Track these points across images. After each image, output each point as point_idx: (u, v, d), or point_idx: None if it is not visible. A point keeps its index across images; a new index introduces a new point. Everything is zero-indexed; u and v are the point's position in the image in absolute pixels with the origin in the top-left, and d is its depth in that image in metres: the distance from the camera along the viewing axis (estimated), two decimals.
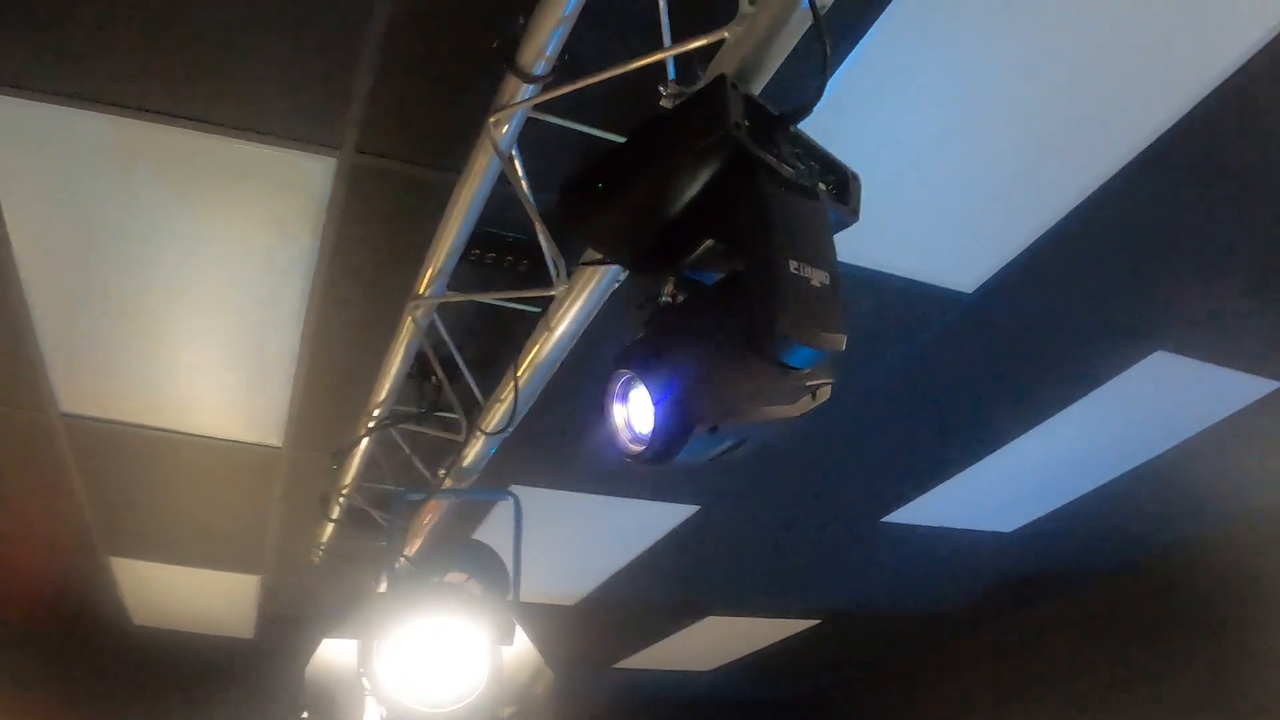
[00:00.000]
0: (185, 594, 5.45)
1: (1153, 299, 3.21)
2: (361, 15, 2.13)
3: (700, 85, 1.69)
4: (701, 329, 1.40)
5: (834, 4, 1.52)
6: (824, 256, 1.40)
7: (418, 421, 3.13)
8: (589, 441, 3.90)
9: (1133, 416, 3.94)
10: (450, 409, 3.22)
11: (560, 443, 3.82)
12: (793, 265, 1.34)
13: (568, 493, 4.35)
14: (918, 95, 2.42)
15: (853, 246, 2.09)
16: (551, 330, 2.36)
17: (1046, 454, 4.24)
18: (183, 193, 2.61)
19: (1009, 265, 3.01)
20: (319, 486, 4.04)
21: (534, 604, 5.58)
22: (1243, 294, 3.18)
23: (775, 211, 1.37)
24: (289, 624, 5.86)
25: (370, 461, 3.57)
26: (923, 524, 4.95)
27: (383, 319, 3.06)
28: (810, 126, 1.56)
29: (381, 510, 3.83)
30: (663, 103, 1.73)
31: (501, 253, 2.86)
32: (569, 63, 2.04)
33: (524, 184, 2.22)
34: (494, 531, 4.43)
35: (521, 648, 2.57)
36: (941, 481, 4.50)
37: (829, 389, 1.47)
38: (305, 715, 3.62)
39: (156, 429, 3.76)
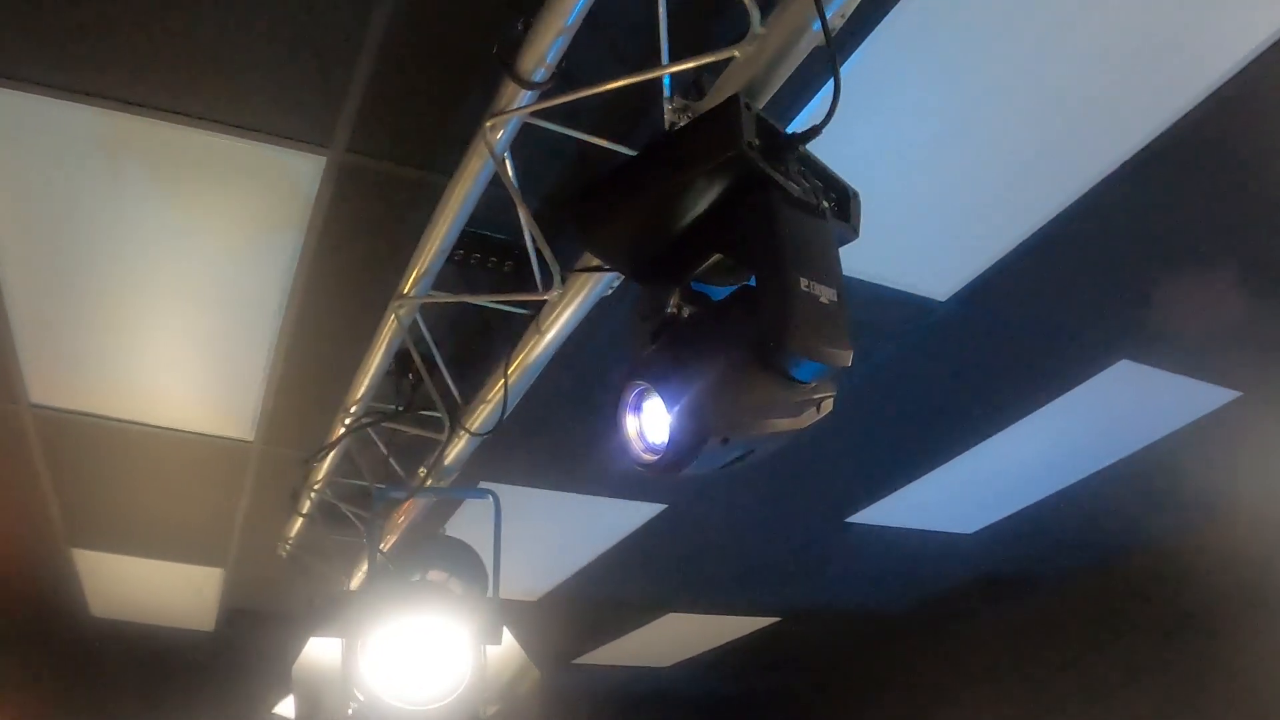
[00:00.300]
0: (146, 586, 5.40)
1: (1118, 310, 3.28)
2: (359, 16, 2.14)
3: (706, 100, 1.73)
4: (713, 343, 1.43)
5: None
6: (831, 274, 1.44)
7: (396, 419, 3.14)
8: (557, 439, 3.93)
9: (1095, 423, 4.03)
10: (429, 407, 3.24)
11: (528, 440, 3.83)
12: (803, 283, 1.37)
13: (535, 489, 4.37)
14: (900, 112, 2.47)
15: None
16: (543, 333, 2.39)
17: (1010, 458, 4.32)
18: (168, 186, 2.60)
19: (981, 275, 3.07)
20: (289, 481, 4.04)
21: None
22: (1204, 306, 3.27)
23: (786, 230, 1.40)
24: (250, 617, 5.83)
25: (343, 457, 3.57)
26: (886, 524, 5.02)
27: (363, 317, 3.06)
28: None
29: (352, 505, 3.84)
30: (669, 116, 1.76)
31: (485, 253, 2.87)
32: (566, 70, 2.06)
33: (517, 189, 2.24)
34: (460, 528, 4.44)
35: (506, 646, 2.59)
36: (906, 483, 4.57)
37: (831, 401, 1.52)
38: (275, 711, 3.62)
39: (127, 421, 3.73)
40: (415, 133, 2.48)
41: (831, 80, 2.25)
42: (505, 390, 2.49)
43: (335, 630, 2.42)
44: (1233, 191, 2.78)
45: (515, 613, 5.83)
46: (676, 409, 1.39)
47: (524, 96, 2.09)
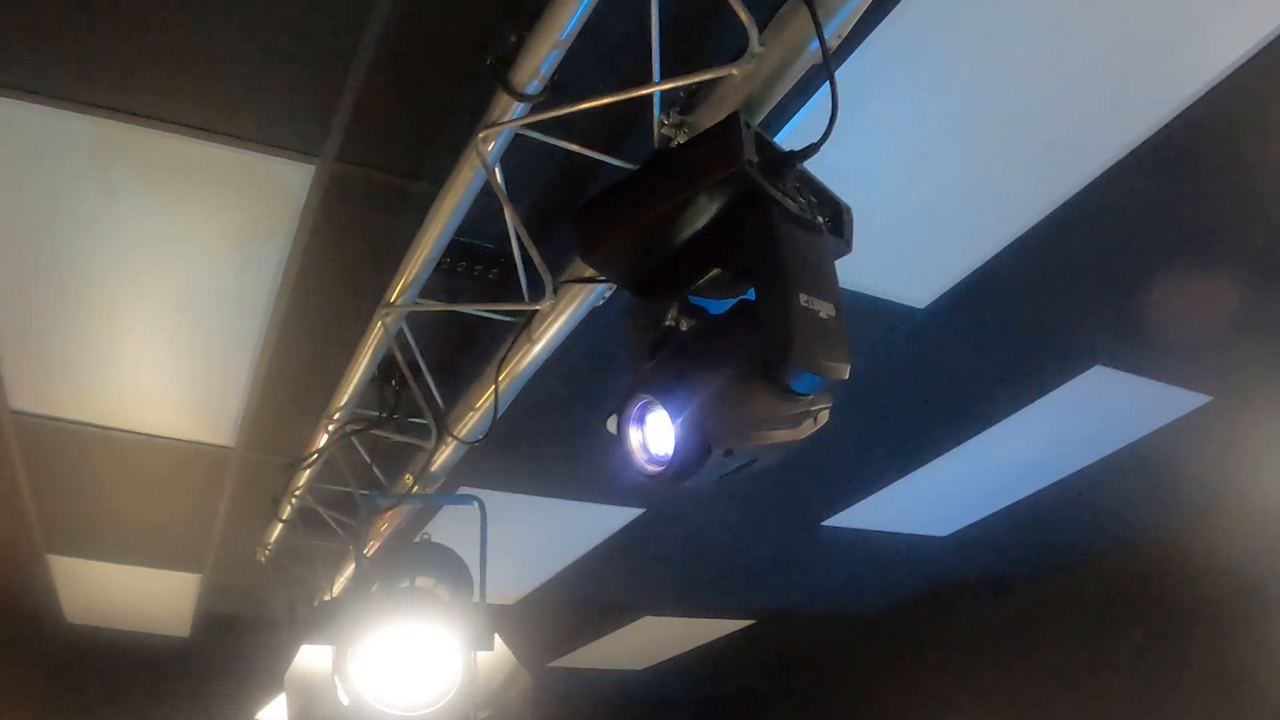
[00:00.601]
0: (122, 592, 5.38)
1: (1093, 317, 3.35)
2: (352, 27, 2.15)
3: (702, 116, 1.76)
4: (715, 357, 1.46)
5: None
6: (829, 289, 1.47)
7: (382, 426, 3.15)
8: (536, 444, 3.95)
9: (1069, 427, 4.10)
10: (414, 414, 3.26)
11: (507, 446, 3.85)
12: (803, 299, 1.41)
13: (513, 494, 4.39)
14: (882, 124, 2.51)
15: None
16: (534, 342, 2.41)
17: (984, 462, 4.38)
18: (156, 194, 2.60)
19: (961, 283, 3.12)
20: (269, 487, 4.03)
21: None
22: (1176, 314, 3.34)
23: (786, 247, 1.44)
24: (226, 622, 5.82)
25: (326, 464, 3.58)
26: (861, 528, 5.07)
27: (348, 324, 3.07)
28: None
29: (333, 511, 3.84)
30: (663, 131, 1.79)
31: (471, 262, 2.90)
32: (558, 81, 2.09)
33: (509, 200, 2.26)
34: (438, 533, 4.45)
35: (497, 651, 2.61)
36: (882, 487, 4.62)
37: (827, 413, 1.55)
38: (260, 717, 3.62)
39: (108, 428, 3.73)
40: (405, 142, 2.49)
41: (822, 93, 2.32)
42: (496, 398, 2.51)
43: (326, 637, 2.42)
44: (1203, 205, 2.85)
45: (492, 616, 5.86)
46: (680, 421, 1.42)
47: (517, 109, 2.10)
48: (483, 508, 2.92)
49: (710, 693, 8.48)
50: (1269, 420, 4.06)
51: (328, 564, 3.95)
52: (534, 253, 2.24)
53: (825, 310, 1.43)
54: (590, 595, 5.89)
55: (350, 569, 3.75)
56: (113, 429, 3.74)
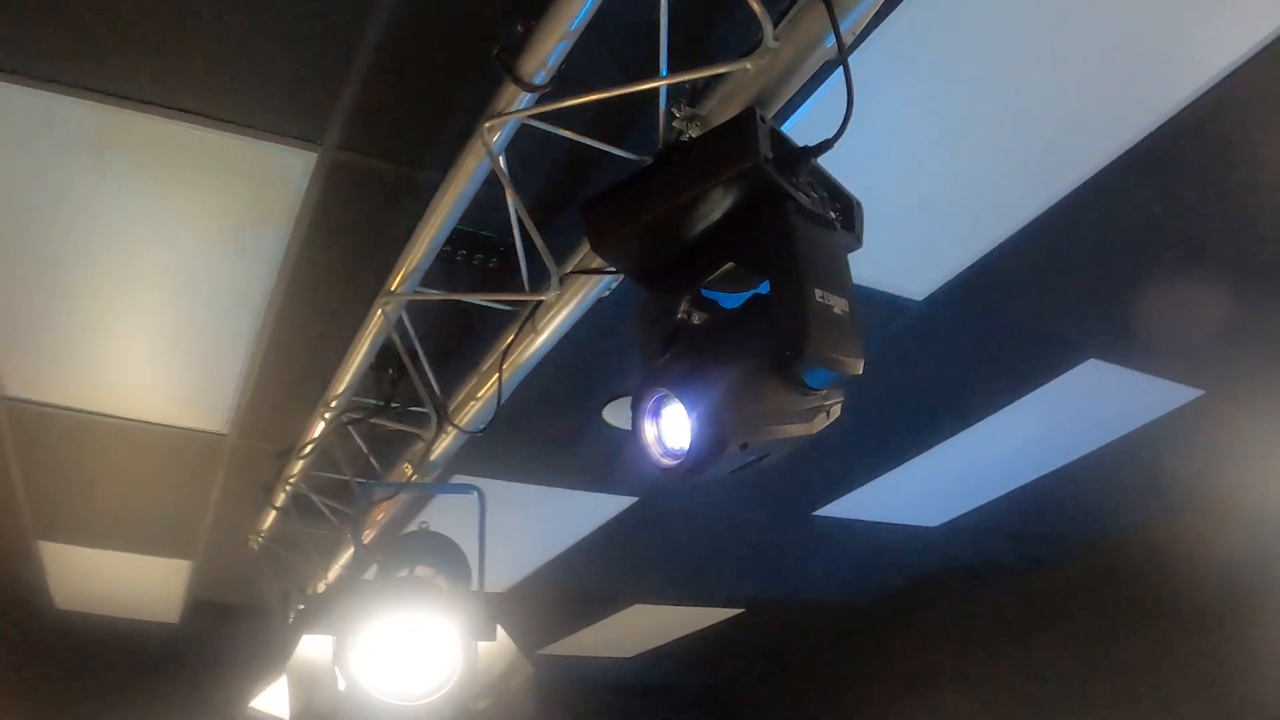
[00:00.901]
0: (112, 578, 5.36)
1: (1088, 311, 3.36)
2: (357, 13, 2.14)
3: (714, 110, 1.76)
4: (730, 351, 1.47)
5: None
6: (843, 284, 1.48)
7: (381, 414, 3.15)
8: (530, 433, 3.95)
9: (1062, 419, 4.12)
10: (411, 403, 3.26)
11: (500, 434, 3.85)
12: (818, 295, 1.41)
13: (507, 482, 4.39)
14: (885, 118, 2.52)
15: None
16: (538, 332, 2.41)
17: (977, 453, 4.40)
18: (154, 180, 2.59)
19: (958, 276, 3.13)
20: (262, 474, 4.04)
21: None
22: (1170, 309, 3.36)
23: (801, 242, 1.44)
24: (216, 610, 5.80)
25: (320, 451, 3.57)
26: (853, 518, 5.09)
27: (346, 313, 3.07)
28: None
29: (326, 498, 3.84)
30: (674, 124, 1.79)
31: (471, 251, 2.89)
32: (564, 72, 2.08)
33: (513, 188, 2.26)
34: (432, 522, 4.46)
35: (498, 641, 2.62)
36: (874, 478, 4.64)
37: (839, 408, 1.56)
38: (254, 705, 3.62)
39: (101, 414, 3.71)
40: (408, 131, 2.48)
41: (826, 86, 2.33)
42: (500, 387, 2.51)
43: (327, 627, 2.42)
44: (1197, 204, 2.87)
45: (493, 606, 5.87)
46: (697, 415, 1.43)
47: (523, 99, 2.10)
48: (482, 497, 2.92)
49: (699, 681, 8.50)
50: (1260, 415, 4.09)
51: (322, 551, 3.95)
52: (539, 243, 2.24)
53: (840, 306, 1.44)
54: (581, 583, 5.90)
55: (346, 557, 3.75)
56: (105, 415, 3.72)
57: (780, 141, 1.53)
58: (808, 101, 2.35)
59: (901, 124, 2.55)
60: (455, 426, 2.80)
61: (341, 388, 3.18)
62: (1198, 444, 4.35)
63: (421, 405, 3.31)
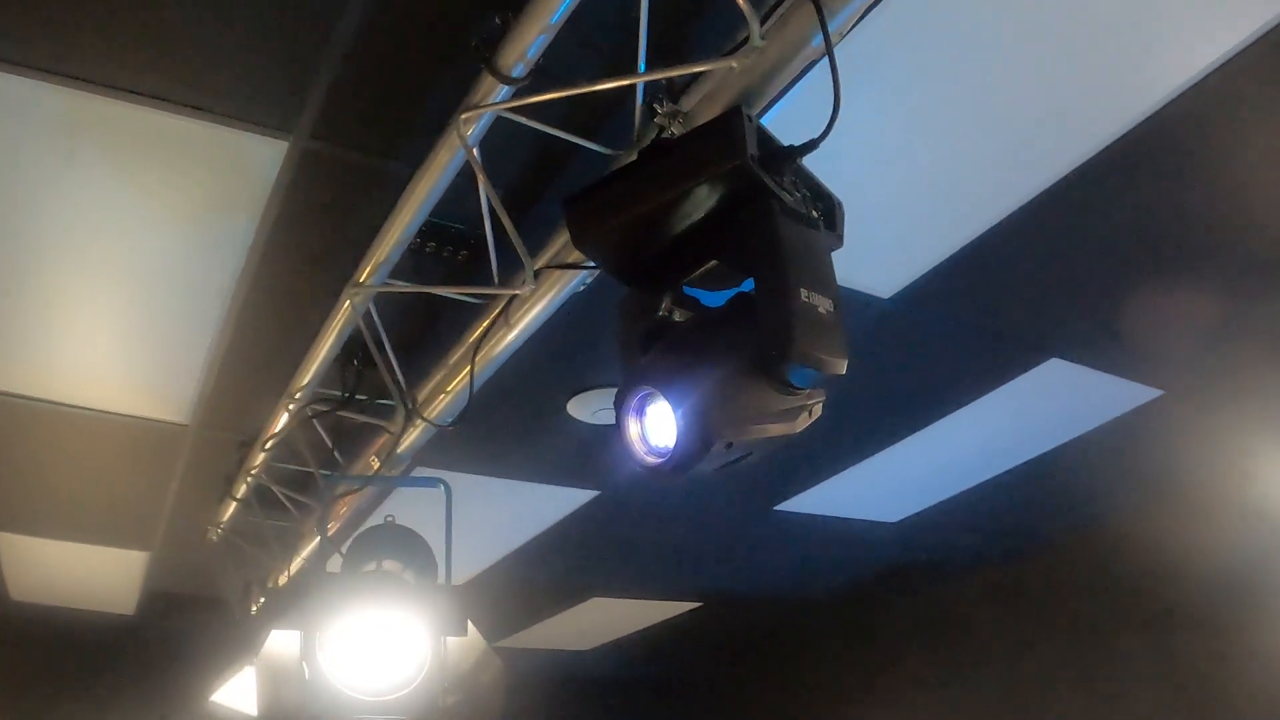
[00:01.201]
0: (68, 569, 5.27)
1: (1052, 311, 3.40)
2: (333, 2, 2.12)
3: (698, 108, 1.76)
4: (716, 349, 1.47)
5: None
6: (827, 284, 1.49)
7: (347, 406, 3.12)
8: (491, 425, 3.93)
9: (1023, 418, 4.17)
10: (376, 395, 3.24)
11: (463, 425, 3.84)
12: (803, 294, 1.42)
13: (467, 475, 4.37)
14: (857, 117, 2.52)
15: None
16: (511, 326, 2.39)
17: (938, 450, 4.44)
18: (121, 166, 2.54)
19: (925, 275, 3.15)
20: (223, 465, 3.99)
21: None
22: (1132, 310, 3.41)
23: (787, 242, 1.45)
24: (173, 601, 5.74)
25: (282, 442, 3.53)
26: (813, 513, 5.12)
27: (312, 304, 3.04)
28: None
29: (288, 490, 3.81)
30: (656, 120, 1.79)
31: (440, 243, 2.87)
32: (542, 65, 2.07)
33: (489, 182, 2.24)
34: (394, 514, 4.43)
35: (469, 635, 2.61)
36: (835, 473, 4.67)
37: (820, 407, 1.56)
38: (214, 699, 3.58)
39: (57, 403, 3.64)
40: (381, 122, 2.46)
41: (802, 85, 2.33)
42: (472, 381, 2.50)
43: (295, 621, 2.40)
44: (1163, 208, 2.92)
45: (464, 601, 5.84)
46: (683, 413, 1.43)
47: (501, 92, 2.09)
48: (448, 491, 2.91)
49: (655, 674, 8.53)
50: (1218, 416, 4.16)
51: (283, 544, 3.91)
52: (515, 236, 2.23)
53: (824, 305, 1.45)
54: (540, 576, 5.90)
55: (309, 549, 3.72)
56: (63, 404, 3.66)
57: (766, 140, 1.54)
58: (783, 98, 2.35)
59: (871, 123, 2.56)
60: (425, 419, 2.78)
61: (306, 379, 3.15)
62: (1156, 443, 4.41)
63: (386, 397, 3.28)
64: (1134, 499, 5.16)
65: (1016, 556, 5.92)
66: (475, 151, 2.24)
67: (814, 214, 1.60)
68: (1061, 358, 3.68)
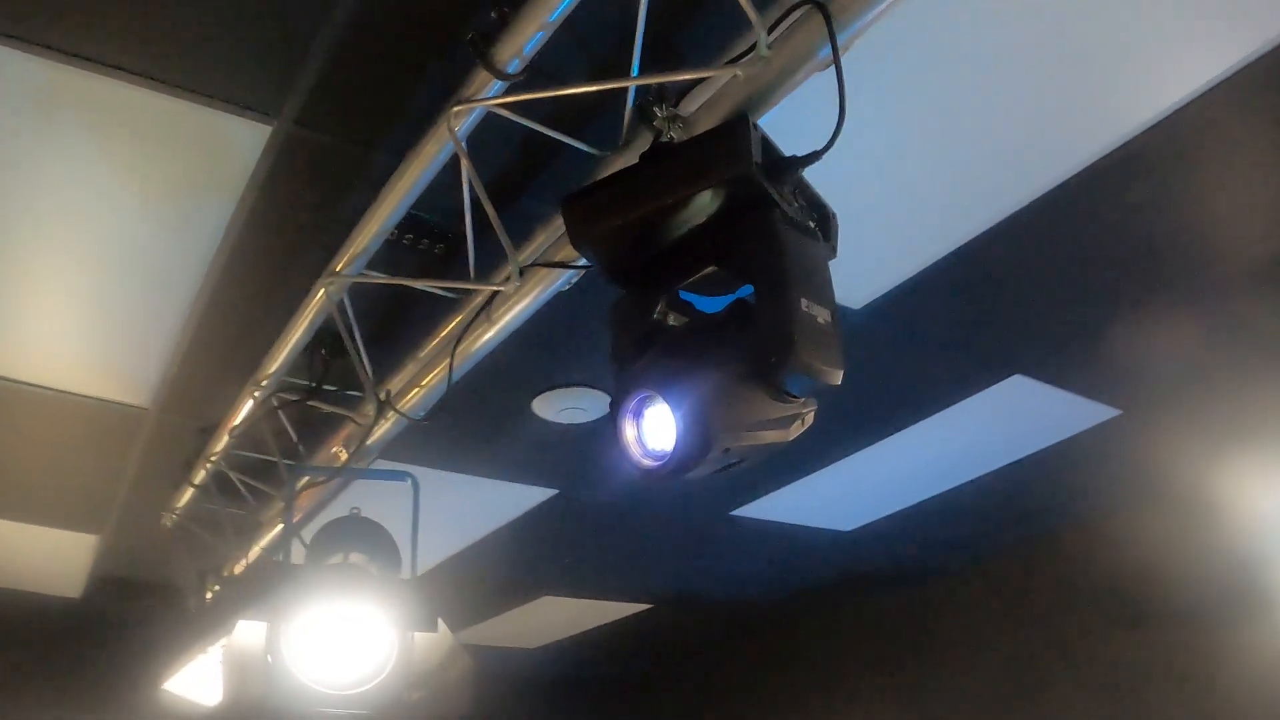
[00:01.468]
0: (15, 550, 5.16)
1: (1018, 329, 3.46)
2: None
3: (699, 114, 1.76)
4: (715, 355, 1.47)
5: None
6: (826, 295, 1.50)
7: (315, 396, 3.09)
8: (454, 420, 3.91)
9: (983, 432, 4.22)
10: (344, 385, 3.22)
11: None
12: (804, 304, 1.43)
13: (427, 469, 4.34)
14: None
15: None
16: (493, 322, 2.38)
17: (898, 460, 4.48)
18: (99, 143, 2.50)
19: (898, 287, 3.19)
20: (182, 451, 3.94)
21: None
22: (1096, 331, 3.47)
23: (789, 252, 1.46)
24: (120, 586, 5.64)
25: (245, 430, 3.49)
26: (769, 519, 5.15)
27: (284, 292, 3.01)
28: None
29: (248, 478, 3.76)
30: (655, 124, 1.79)
31: (418, 235, 2.86)
32: (535, 62, 2.07)
33: (477, 176, 2.24)
34: (351, 506, 4.40)
35: (437, 632, 2.59)
36: (794, 480, 4.69)
37: (813, 415, 1.57)
38: (167, 687, 3.52)
39: (12, 380, 3.56)
40: (368, 110, 2.44)
41: (792, 97, 2.34)
42: (450, 375, 2.48)
43: (261, 612, 2.38)
44: (1129, 233, 2.99)
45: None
46: (683, 417, 1.43)
47: (494, 87, 2.08)
48: (416, 485, 2.89)
49: (602, 675, 8.52)
50: (1173, 437, 4.24)
51: (240, 532, 3.86)
52: (502, 233, 2.23)
53: (823, 316, 1.46)
54: (492, 573, 5.87)
55: (268, 538, 3.68)
56: (18, 381, 3.58)
57: (769, 149, 1.55)
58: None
59: (849, 137, 2.57)
60: (398, 412, 2.77)
61: (274, 367, 3.11)
62: (1112, 461, 4.49)
63: (354, 388, 3.26)
64: (1087, 516, 5.25)
65: (971, 568, 5.99)
66: (464, 145, 2.23)
67: (811, 224, 1.61)
68: (1025, 374, 3.73)
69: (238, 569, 3.84)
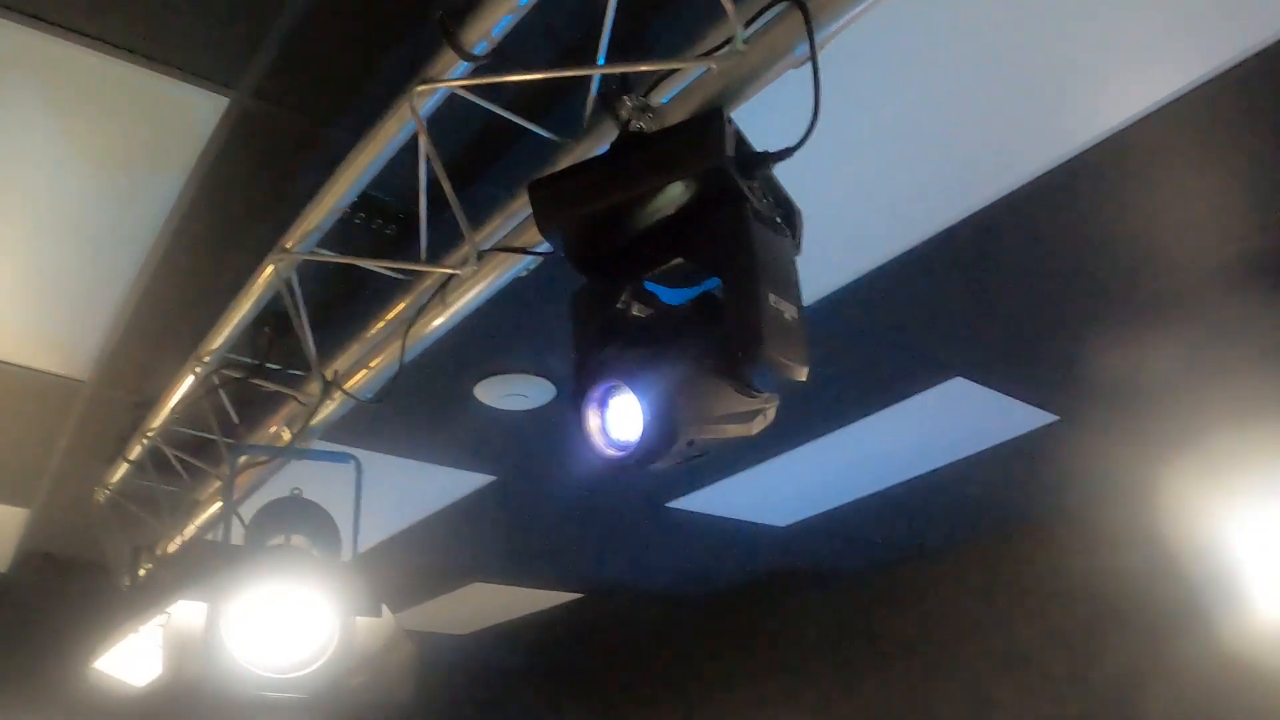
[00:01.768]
0: None
1: (960, 332, 3.51)
2: None
3: (670, 105, 1.77)
4: (682, 347, 1.48)
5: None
6: (792, 291, 1.52)
7: (259, 374, 3.05)
8: (394, 402, 3.87)
9: (921, 432, 4.28)
10: (288, 364, 3.17)
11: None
12: (772, 299, 1.44)
13: (365, 451, 4.29)
14: (790, 127, 2.56)
15: None
16: (447, 306, 2.37)
17: (834, 458, 4.53)
18: (52, 108, 2.43)
19: (844, 287, 3.22)
20: (118, 425, 3.86)
21: None
22: (1037, 338, 3.54)
23: (759, 247, 1.47)
24: (50, 561, 5.51)
25: (183, 407, 3.43)
26: (703, 512, 5.18)
27: (232, 267, 2.97)
28: None
29: (184, 455, 3.70)
30: (624, 113, 1.79)
31: (370, 215, 2.83)
32: (500, 45, 2.06)
33: (437, 157, 2.22)
34: (286, 486, 4.34)
35: (380, 616, 2.57)
36: (730, 474, 4.72)
37: (775, 410, 1.59)
38: (97, 666, 3.44)
39: None
40: (328, 87, 2.41)
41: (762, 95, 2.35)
42: (403, 358, 2.46)
43: (203, 593, 2.34)
44: (1071, 245, 3.06)
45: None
46: (649, 408, 1.44)
47: (459, 68, 2.07)
48: (359, 467, 2.87)
49: (531, 663, 8.51)
50: (1107, 444, 4.33)
51: (175, 510, 3.80)
52: (460, 216, 2.21)
53: (790, 311, 1.47)
54: (425, 558, 5.83)
55: (204, 517, 3.62)
56: None
57: (741, 143, 1.55)
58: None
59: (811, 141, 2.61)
60: (346, 393, 2.74)
61: (218, 343, 3.06)
62: (1048, 466, 4.59)
63: (298, 367, 3.22)
64: (1018, 519, 5.35)
65: (903, 568, 6.07)
66: (425, 125, 2.22)
67: (779, 220, 1.62)
68: (966, 377, 3.79)
69: (171, 547, 3.77)
